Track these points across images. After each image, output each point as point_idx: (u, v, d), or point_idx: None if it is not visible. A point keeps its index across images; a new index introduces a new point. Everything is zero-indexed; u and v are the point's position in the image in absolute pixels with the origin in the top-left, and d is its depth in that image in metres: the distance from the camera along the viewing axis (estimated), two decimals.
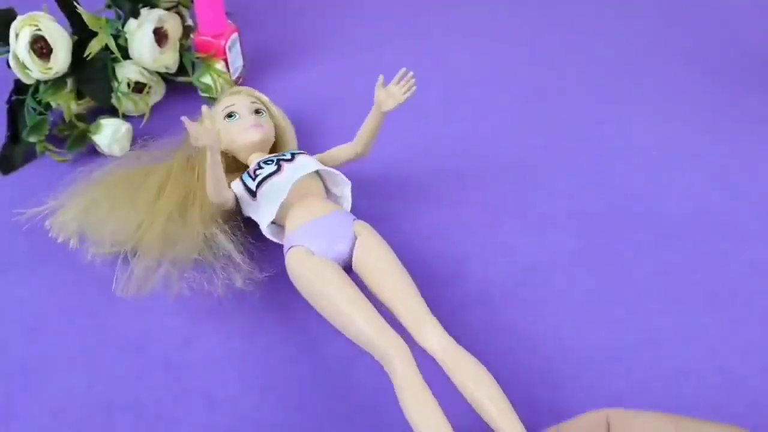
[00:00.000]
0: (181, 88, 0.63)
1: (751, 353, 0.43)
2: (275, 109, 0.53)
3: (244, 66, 0.65)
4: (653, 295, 0.46)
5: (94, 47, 0.55)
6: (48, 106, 0.56)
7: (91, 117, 0.58)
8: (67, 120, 0.56)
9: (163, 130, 0.60)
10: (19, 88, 0.57)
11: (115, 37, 0.57)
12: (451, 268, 0.48)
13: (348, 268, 0.42)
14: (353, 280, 0.41)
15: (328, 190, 0.49)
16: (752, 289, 0.47)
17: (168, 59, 0.60)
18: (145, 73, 0.59)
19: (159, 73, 0.61)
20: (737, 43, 0.73)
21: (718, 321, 0.45)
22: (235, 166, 0.52)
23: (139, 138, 0.58)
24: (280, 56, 0.70)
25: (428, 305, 0.45)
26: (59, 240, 0.46)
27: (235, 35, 0.62)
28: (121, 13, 0.59)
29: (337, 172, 0.46)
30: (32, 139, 0.55)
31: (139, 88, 0.60)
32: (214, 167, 0.42)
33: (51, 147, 0.56)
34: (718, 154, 0.58)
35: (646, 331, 0.44)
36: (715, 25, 0.76)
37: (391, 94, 0.44)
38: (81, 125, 0.55)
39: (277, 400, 0.40)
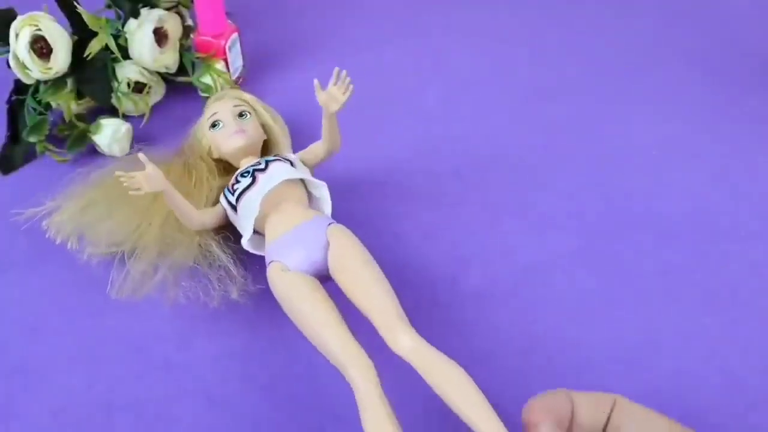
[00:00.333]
0: (181, 88, 0.63)
1: (751, 353, 0.43)
2: (261, 108, 0.52)
3: (244, 66, 0.65)
4: (653, 295, 0.46)
5: (94, 47, 0.55)
6: (48, 106, 0.56)
7: (91, 117, 0.58)
8: (67, 120, 0.56)
9: (163, 130, 0.60)
10: (19, 88, 0.57)
11: (115, 37, 0.57)
12: (451, 268, 0.48)
13: (329, 275, 0.42)
14: (333, 289, 0.40)
15: (309, 192, 0.48)
16: (752, 289, 0.47)
17: (168, 59, 0.60)
18: (145, 73, 0.60)
19: (159, 73, 0.61)
20: (737, 43, 0.73)
21: (718, 321, 0.45)
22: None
23: (139, 138, 0.58)
24: (280, 56, 0.70)
25: (427, 305, 0.45)
26: (57, 241, 0.46)
27: (235, 35, 0.62)
28: (121, 13, 0.59)
29: (310, 177, 0.46)
30: (32, 139, 0.55)
31: (139, 88, 0.60)
32: (175, 205, 0.43)
33: (51, 147, 0.56)
34: (718, 154, 0.58)
35: (646, 331, 0.44)
36: (715, 25, 0.76)
37: (332, 96, 0.44)
38: (81, 125, 0.55)
39: (277, 400, 0.40)
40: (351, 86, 0.44)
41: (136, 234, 0.45)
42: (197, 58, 0.61)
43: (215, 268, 0.44)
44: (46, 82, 0.55)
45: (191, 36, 0.62)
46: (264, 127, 0.52)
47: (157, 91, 0.62)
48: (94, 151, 0.56)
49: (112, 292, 0.43)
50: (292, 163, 0.47)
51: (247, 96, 0.53)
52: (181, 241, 0.45)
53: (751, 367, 0.42)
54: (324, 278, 0.41)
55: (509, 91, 0.65)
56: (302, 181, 0.47)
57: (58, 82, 0.55)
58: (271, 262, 0.41)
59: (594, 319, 0.45)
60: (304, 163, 0.49)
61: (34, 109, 0.56)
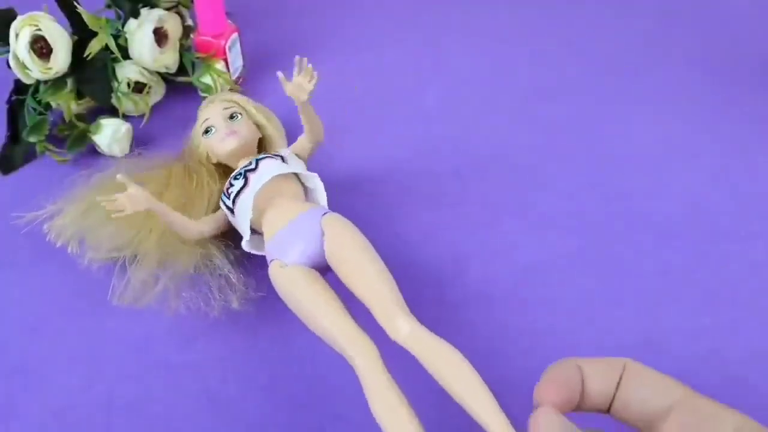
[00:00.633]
0: (181, 88, 0.63)
1: (751, 353, 0.43)
2: (253, 108, 0.52)
3: (244, 66, 0.65)
4: (653, 295, 0.46)
5: (94, 47, 0.55)
6: (48, 106, 0.56)
7: (91, 117, 0.58)
8: (67, 120, 0.56)
9: (163, 130, 0.60)
10: (19, 88, 0.57)
11: (115, 37, 0.57)
12: (451, 268, 0.48)
13: (329, 266, 0.42)
14: (336, 281, 0.40)
15: (305, 187, 0.48)
16: (752, 289, 0.47)
17: (168, 59, 0.60)
18: (145, 73, 0.60)
19: (159, 73, 0.61)
20: (737, 43, 0.73)
21: (718, 321, 0.45)
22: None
23: (139, 138, 0.58)
24: (280, 56, 0.70)
25: (428, 305, 0.45)
26: (58, 244, 0.46)
27: (235, 35, 0.62)
28: (121, 13, 0.59)
29: (301, 170, 0.46)
30: (32, 139, 0.55)
31: (139, 88, 0.60)
32: (168, 221, 0.43)
33: (51, 147, 0.55)
34: (718, 154, 0.58)
35: (646, 331, 0.44)
36: (715, 25, 0.76)
37: (298, 86, 0.44)
38: (81, 125, 0.55)
39: (277, 400, 0.40)
40: (315, 73, 0.44)
41: (137, 239, 0.45)
42: (197, 58, 0.61)
43: (216, 276, 0.44)
44: (46, 82, 0.55)
45: (191, 36, 0.62)
46: (258, 126, 0.52)
47: (157, 91, 0.62)
48: (94, 151, 0.56)
49: (114, 299, 0.43)
50: (283, 159, 0.46)
51: (237, 97, 0.53)
52: (182, 248, 0.45)
53: (751, 367, 0.42)
54: (324, 269, 0.41)
55: (509, 91, 0.65)
56: (296, 175, 0.47)
57: (58, 82, 0.55)
58: (272, 260, 0.41)
59: (594, 319, 0.45)
60: (298, 156, 0.49)
61: (34, 109, 0.56)
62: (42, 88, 0.55)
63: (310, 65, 0.43)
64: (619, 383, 0.23)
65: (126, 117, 0.59)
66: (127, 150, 0.56)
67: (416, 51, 0.71)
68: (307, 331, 0.43)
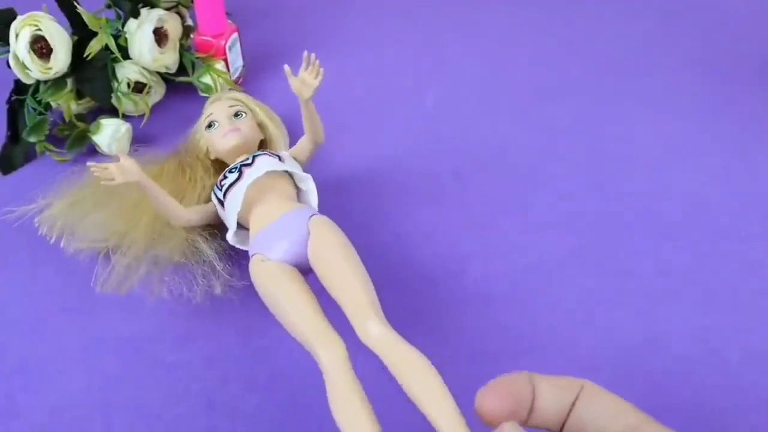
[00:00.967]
0: (181, 88, 0.63)
1: (751, 353, 0.43)
2: (257, 108, 0.52)
3: (244, 66, 0.65)
4: (653, 295, 0.46)
5: (94, 47, 0.55)
6: (48, 106, 0.56)
7: (91, 117, 0.58)
8: (67, 120, 0.56)
9: (163, 130, 0.60)
10: (19, 88, 0.57)
11: (115, 37, 0.57)
12: (451, 268, 0.48)
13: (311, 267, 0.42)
14: (315, 282, 0.40)
15: (299, 188, 0.48)
16: (752, 289, 0.47)
17: (168, 59, 0.60)
18: (145, 73, 0.59)
19: (159, 73, 0.61)
20: (737, 44, 0.73)
21: (718, 321, 0.45)
22: None
23: (139, 138, 0.58)
24: (280, 56, 0.70)
25: (427, 305, 0.45)
26: (50, 238, 0.46)
27: (235, 35, 0.62)
28: (121, 13, 0.59)
29: (295, 170, 0.46)
30: (32, 139, 0.55)
31: (139, 88, 0.60)
32: (157, 200, 0.43)
33: (51, 147, 0.56)
34: (718, 154, 0.58)
35: (646, 331, 0.44)
36: (715, 25, 0.76)
37: (304, 82, 0.44)
38: (81, 125, 0.55)
39: (277, 400, 0.40)
40: (322, 70, 0.44)
41: (125, 230, 0.45)
42: (197, 58, 0.61)
43: (201, 263, 0.45)
44: (46, 82, 0.55)
45: (191, 36, 0.62)
46: (260, 126, 0.52)
47: (157, 91, 0.62)
48: (94, 151, 0.56)
49: (97, 286, 0.43)
50: (280, 159, 0.47)
51: (243, 96, 0.53)
52: (169, 236, 0.45)
53: (751, 367, 0.42)
54: (306, 270, 0.41)
55: (509, 91, 0.65)
56: (290, 176, 0.47)
57: (58, 82, 0.55)
58: (254, 254, 0.41)
59: (594, 319, 0.45)
60: (296, 159, 0.49)
61: (34, 109, 0.56)
62: (42, 88, 0.55)
63: (317, 61, 0.43)
64: (574, 404, 0.22)
65: (126, 117, 0.59)
66: (127, 150, 0.56)
67: (416, 51, 0.71)
68: None
